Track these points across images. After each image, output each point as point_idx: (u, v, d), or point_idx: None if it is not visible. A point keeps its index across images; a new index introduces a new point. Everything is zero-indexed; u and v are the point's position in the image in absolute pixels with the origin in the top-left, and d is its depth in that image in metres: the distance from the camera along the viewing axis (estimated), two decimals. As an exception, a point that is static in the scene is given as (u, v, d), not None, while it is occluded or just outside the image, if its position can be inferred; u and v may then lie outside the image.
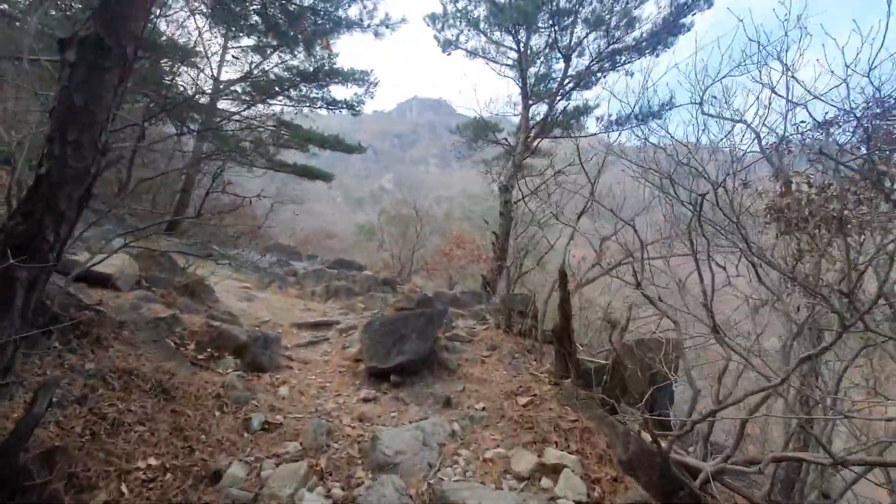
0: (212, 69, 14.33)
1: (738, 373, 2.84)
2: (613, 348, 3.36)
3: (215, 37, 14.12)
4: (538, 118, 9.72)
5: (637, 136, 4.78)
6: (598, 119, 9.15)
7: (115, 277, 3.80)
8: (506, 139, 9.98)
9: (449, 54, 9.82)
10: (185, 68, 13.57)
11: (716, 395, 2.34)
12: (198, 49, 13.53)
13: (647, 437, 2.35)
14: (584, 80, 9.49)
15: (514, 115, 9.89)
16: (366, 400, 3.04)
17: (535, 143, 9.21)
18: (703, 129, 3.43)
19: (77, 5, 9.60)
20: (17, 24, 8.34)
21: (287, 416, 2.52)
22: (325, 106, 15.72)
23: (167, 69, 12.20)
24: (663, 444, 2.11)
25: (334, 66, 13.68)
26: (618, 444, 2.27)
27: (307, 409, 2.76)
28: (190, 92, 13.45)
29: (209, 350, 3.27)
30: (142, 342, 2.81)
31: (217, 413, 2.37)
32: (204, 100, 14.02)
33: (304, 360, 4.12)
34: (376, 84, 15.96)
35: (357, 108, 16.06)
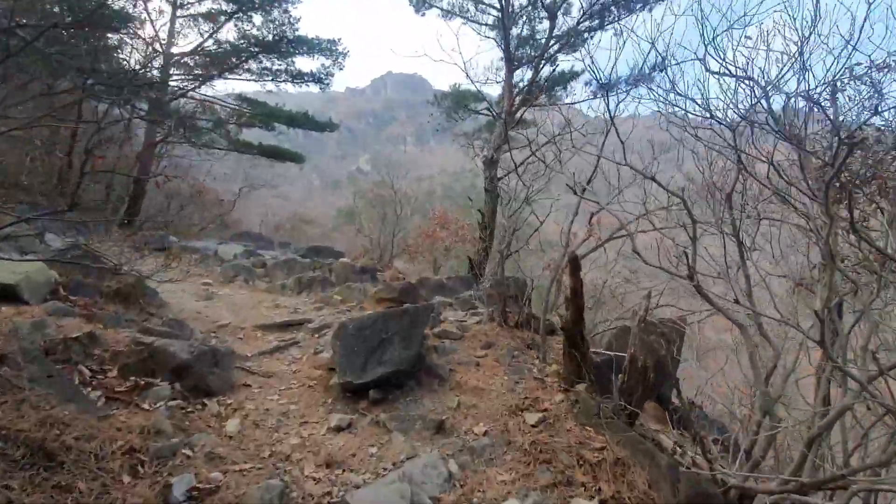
0: (160, 42, 12.82)
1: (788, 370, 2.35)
2: (633, 343, 2.84)
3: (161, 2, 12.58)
4: (523, 85, 8.98)
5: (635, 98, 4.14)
6: (586, 84, 8.48)
7: (19, 288, 3.02)
8: (489, 109, 9.23)
9: (423, 15, 8.87)
10: (130, 40, 12.08)
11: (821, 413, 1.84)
12: (142, 16, 12.03)
13: (699, 461, 1.85)
14: (571, 40, 8.74)
15: (497, 81, 9.12)
16: (338, 429, 2.44)
17: (520, 112, 8.50)
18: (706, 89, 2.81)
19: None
20: None
21: (229, 471, 1.90)
22: (289, 80, 14.43)
23: (109, 43, 10.77)
24: (729, 479, 1.60)
25: (297, 32, 12.41)
26: (663, 485, 1.77)
27: (259, 454, 2.14)
28: (137, 67, 12.03)
29: (135, 377, 2.58)
30: (30, 380, 2.10)
31: (126, 479, 1.73)
32: (153, 75, 12.59)
33: (267, 372, 3.47)
34: (345, 55, 14.73)
35: (325, 81, 14.82)
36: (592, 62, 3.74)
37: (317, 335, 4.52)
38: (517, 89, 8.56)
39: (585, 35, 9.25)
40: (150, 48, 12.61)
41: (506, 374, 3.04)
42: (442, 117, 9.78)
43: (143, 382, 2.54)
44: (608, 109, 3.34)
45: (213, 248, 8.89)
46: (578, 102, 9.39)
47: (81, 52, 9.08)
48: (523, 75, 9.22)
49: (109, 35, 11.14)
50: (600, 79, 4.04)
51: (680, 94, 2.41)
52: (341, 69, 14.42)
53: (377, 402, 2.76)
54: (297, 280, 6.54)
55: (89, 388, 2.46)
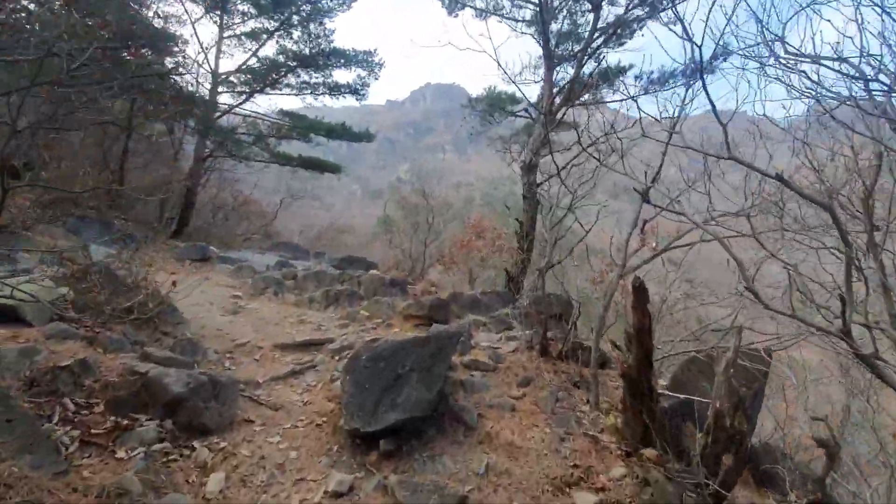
0: (208, 62, 13.46)
1: None
2: (718, 393, 2.16)
3: (211, 22, 13.20)
4: (564, 84, 8.31)
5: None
6: (636, 78, 7.67)
7: (21, 310, 2.87)
8: (526, 110, 8.64)
9: (456, 16, 8.50)
10: (181, 58, 12.77)
11: None
12: (186, 38, 12.70)
13: None
14: (619, 32, 7.99)
15: (535, 81, 8.52)
16: (337, 494, 1.98)
17: (561, 113, 7.84)
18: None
19: None
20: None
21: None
22: (327, 92, 14.66)
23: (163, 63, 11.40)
24: None
25: (332, 44, 12.54)
26: None
27: (235, 530, 1.72)
28: (191, 87, 12.67)
29: (116, 418, 2.29)
30: (-11, 423, 1.83)
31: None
32: (203, 93, 13.22)
33: (275, 404, 3.12)
34: (381, 65, 14.75)
35: (362, 92, 14.91)
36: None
37: (336, 357, 4.16)
38: (557, 88, 7.92)
39: (634, 26, 8.45)
40: (200, 68, 13.29)
41: (548, 424, 2.46)
42: (477, 121, 9.31)
43: (124, 423, 2.23)
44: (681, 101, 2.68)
45: (249, 258, 8.94)
46: (624, 99, 8.56)
47: (133, 73, 9.63)
48: (564, 73, 8.56)
49: (166, 59, 11.82)
50: (664, 70, 3.38)
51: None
52: (377, 79, 14.42)
53: (389, 454, 2.28)
54: (325, 293, 6.29)
55: (68, 428, 2.19)
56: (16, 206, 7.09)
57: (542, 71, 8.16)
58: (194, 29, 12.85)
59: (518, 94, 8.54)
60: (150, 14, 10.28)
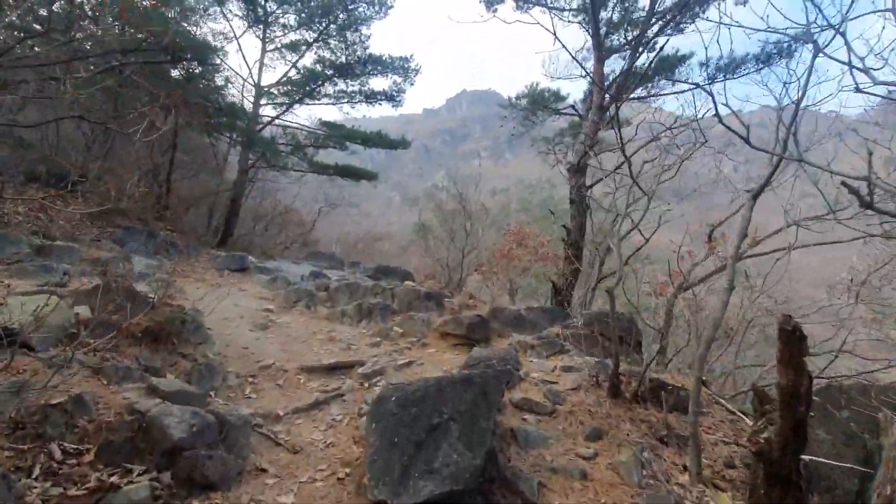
0: (252, 76, 13.82)
1: None
2: (888, 480, 1.44)
3: (255, 37, 13.56)
4: (615, 77, 7.54)
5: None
6: (701, 65, 6.76)
7: (20, 333, 2.63)
8: (573, 107, 7.92)
9: (495, 11, 7.98)
10: (226, 70, 13.18)
11: None
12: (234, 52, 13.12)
13: None
14: (679, 17, 7.12)
15: (582, 75, 7.80)
16: None
17: (615, 106, 7.06)
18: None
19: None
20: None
21: None
22: (363, 100, 14.63)
23: (208, 78, 11.78)
24: None
25: (368, 51, 12.45)
26: None
27: None
28: (235, 100, 13.07)
29: (109, 467, 1.93)
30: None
31: None
32: (247, 106, 13.59)
33: (294, 444, 2.70)
34: (417, 71, 14.56)
35: (398, 98, 14.76)
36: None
37: (366, 384, 3.71)
38: (608, 82, 7.16)
39: (696, 9, 7.54)
40: (245, 82, 13.68)
41: (635, 501, 1.83)
42: (518, 122, 8.69)
43: (109, 482, 1.86)
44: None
45: (285, 269, 8.84)
46: (688, 90, 7.62)
47: (177, 85, 9.92)
48: (613, 66, 7.79)
49: (214, 74, 12.23)
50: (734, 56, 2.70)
51: None
52: (412, 85, 14.21)
53: (423, 539, 1.75)
54: (357, 307, 5.92)
55: (48, 484, 1.85)
56: (64, 219, 7.37)
57: (590, 64, 7.45)
58: (238, 44, 13.17)
59: (563, 91, 7.86)
60: (195, 28, 10.62)
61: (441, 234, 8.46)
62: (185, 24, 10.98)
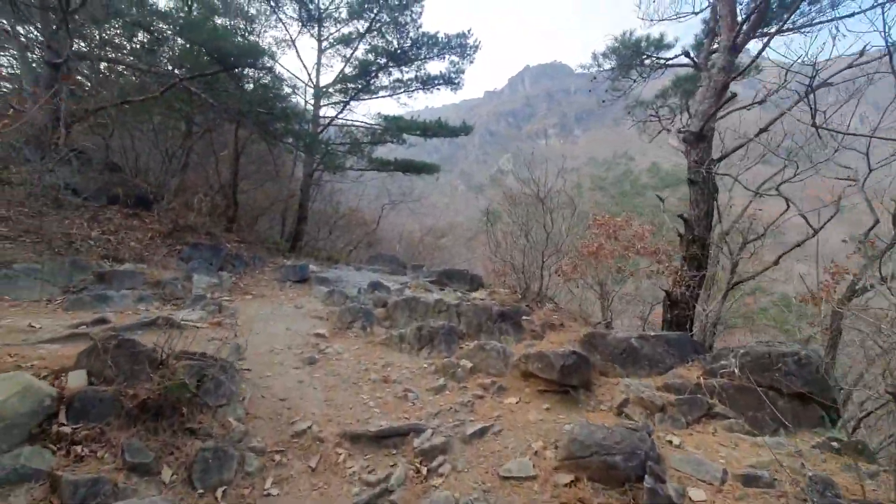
0: (311, 78, 13.56)
1: None
2: None
3: (310, 36, 13.24)
4: (753, 5, 5.45)
5: None
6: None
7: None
8: (686, 54, 5.96)
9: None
10: (285, 74, 13.08)
11: None
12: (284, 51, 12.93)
13: None
14: None
15: (694, 11, 5.83)
16: None
17: (751, 49, 5.08)
18: None
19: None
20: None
21: None
22: (420, 87, 13.64)
23: (270, 86, 11.67)
24: None
25: (420, 29, 11.34)
26: None
27: None
28: (296, 105, 12.94)
29: None
30: None
31: None
32: (308, 110, 13.41)
33: None
34: (476, 47, 13.15)
35: (456, 80, 13.50)
36: None
37: (425, 469, 2.67)
38: (743, 12, 5.15)
39: None
40: (306, 87, 13.47)
41: None
42: (608, 83, 6.89)
43: None
44: None
45: (344, 278, 8.25)
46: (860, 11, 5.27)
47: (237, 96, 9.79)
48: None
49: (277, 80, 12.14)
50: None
51: None
52: (472, 62, 12.84)
53: None
54: (416, 331, 4.94)
55: None
56: (135, 239, 7.50)
57: (707, -8, 5.46)
58: (296, 47, 12.92)
59: (666, 38, 5.95)
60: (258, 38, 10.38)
61: (512, 229, 7.13)
62: (245, 34, 10.87)
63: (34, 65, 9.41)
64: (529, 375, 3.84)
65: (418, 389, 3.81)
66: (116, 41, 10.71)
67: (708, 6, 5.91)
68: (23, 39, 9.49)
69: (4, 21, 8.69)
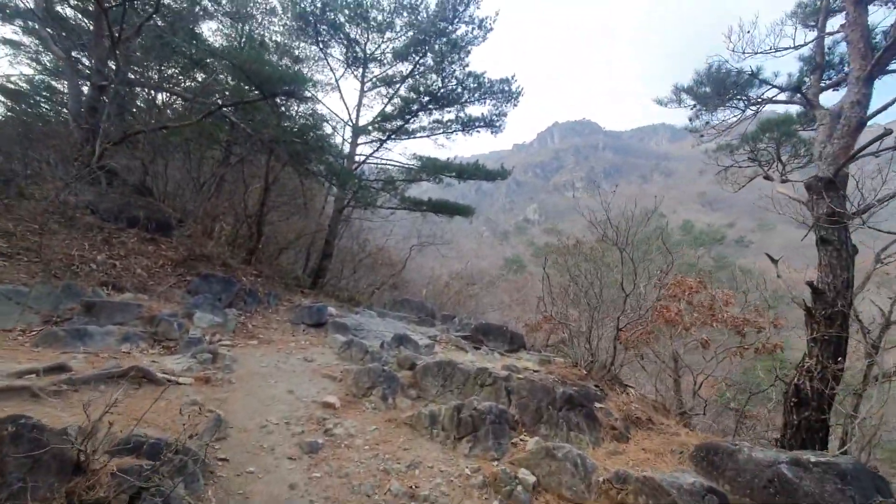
0: (351, 118, 13.47)
1: None
2: None
3: (353, 77, 13.30)
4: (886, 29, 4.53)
5: None
6: None
7: None
8: (798, 88, 4.96)
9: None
10: (325, 109, 13.02)
11: None
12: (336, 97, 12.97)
13: None
14: None
15: (795, 46, 4.94)
16: None
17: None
18: None
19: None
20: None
21: None
22: (460, 129, 13.25)
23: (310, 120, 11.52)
24: None
25: (467, 68, 11.05)
26: None
27: None
28: (333, 140, 12.75)
29: None
30: None
31: None
32: (346, 148, 13.20)
33: None
34: (519, 93, 12.85)
35: (497, 123, 13.08)
36: None
37: None
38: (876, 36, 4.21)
39: None
40: (346, 125, 13.36)
41: None
42: (696, 117, 5.93)
43: None
44: None
45: (366, 326, 7.19)
46: None
47: (271, 124, 9.50)
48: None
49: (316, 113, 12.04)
50: None
51: None
52: (515, 106, 12.42)
53: None
54: (454, 412, 3.73)
55: None
56: (143, 266, 6.80)
57: (818, 18, 4.60)
58: (339, 87, 12.93)
59: (764, 71, 5.05)
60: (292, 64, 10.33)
61: (569, 286, 5.96)
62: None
63: (84, 88, 9.52)
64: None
65: (461, 517, 2.58)
66: (172, 75, 10.90)
67: (815, 39, 5.01)
68: (78, 67, 9.73)
69: (60, 46, 8.87)
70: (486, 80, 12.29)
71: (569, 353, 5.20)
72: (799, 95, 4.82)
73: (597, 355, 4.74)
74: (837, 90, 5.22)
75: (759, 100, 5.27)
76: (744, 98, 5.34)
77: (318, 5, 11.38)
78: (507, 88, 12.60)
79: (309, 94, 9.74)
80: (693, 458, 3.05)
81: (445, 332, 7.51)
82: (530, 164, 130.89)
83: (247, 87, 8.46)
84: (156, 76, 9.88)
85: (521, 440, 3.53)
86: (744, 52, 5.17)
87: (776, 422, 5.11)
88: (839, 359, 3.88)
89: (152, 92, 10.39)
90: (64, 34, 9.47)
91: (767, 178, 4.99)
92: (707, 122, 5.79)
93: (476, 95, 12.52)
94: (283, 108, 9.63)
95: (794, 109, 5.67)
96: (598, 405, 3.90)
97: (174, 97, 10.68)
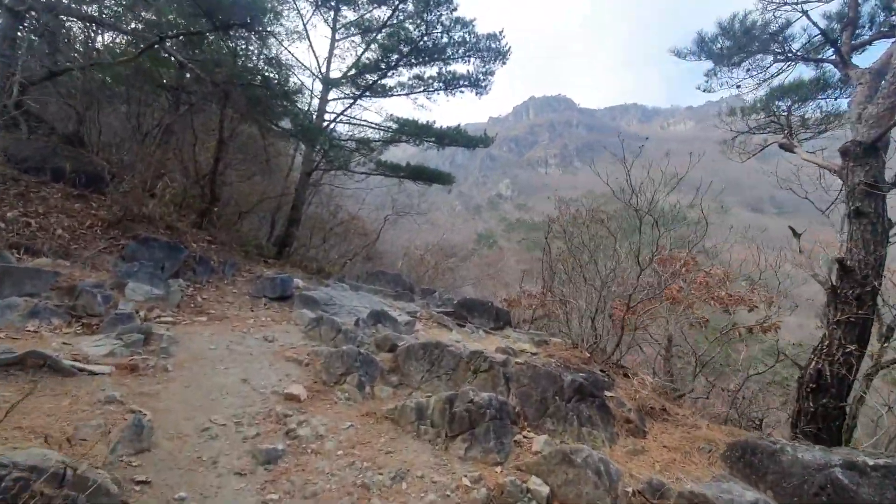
0: (320, 69, 12.00)
1: None
2: None
3: (323, 22, 11.78)
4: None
5: None
6: None
7: None
8: (835, 42, 4.41)
9: None
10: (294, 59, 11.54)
11: None
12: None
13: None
14: None
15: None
16: None
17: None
18: None
19: None
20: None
21: None
22: (442, 87, 12.20)
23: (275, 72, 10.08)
24: None
25: (454, 12, 9.95)
26: None
27: None
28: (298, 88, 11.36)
29: None
30: None
31: None
32: (314, 103, 11.84)
33: None
34: (508, 52, 11.87)
35: (483, 83, 12.13)
36: None
37: None
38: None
39: None
40: (314, 77, 11.91)
41: None
42: (712, 75, 5.31)
43: None
44: None
45: (338, 300, 6.44)
46: None
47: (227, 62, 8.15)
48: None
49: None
50: None
51: None
52: (504, 64, 11.48)
53: None
54: (445, 407, 3.14)
55: None
56: (66, 227, 5.66)
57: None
58: (307, 32, 11.37)
59: (798, 23, 4.47)
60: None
61: (570, 263, 5.42)
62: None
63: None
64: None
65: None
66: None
67: (849, -9, 4.48)
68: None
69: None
70: (473, 33, 11.21)
71: (567, 333, 4.72)
72: (833, 50, 4.34)
73: (601, 336, 4.27)
74: (862, 52, 4.78)
75: (789, 54, 4.75)
76: (773, 51, 4.79)
77: (282, -72, 9.78)
78: (494, 45, 11.57)
79: (270, 30, 8.38)
80: (726, 459, 2.63)
81: (426, 308, 6.90)
82: (505, 139, 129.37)
83: (195, 17, 7.08)
84: (96, 12, 8.15)
85: (524, 437, 3.01)
86: (771, 2, 4.58)
87: (770, 404, 4.89)
88: (862, 343, 3.59)
89: (89, 27, 8.64)
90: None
91: (785, 147, 4.55)
92: (724, 83, 5.25)
93: (461, 51, 11.43)
94: (239, 48, 8.26)
95: (808, 76, 5.22)
96: (607, 394, 3.43)
97: (118, 34, 8.97)
